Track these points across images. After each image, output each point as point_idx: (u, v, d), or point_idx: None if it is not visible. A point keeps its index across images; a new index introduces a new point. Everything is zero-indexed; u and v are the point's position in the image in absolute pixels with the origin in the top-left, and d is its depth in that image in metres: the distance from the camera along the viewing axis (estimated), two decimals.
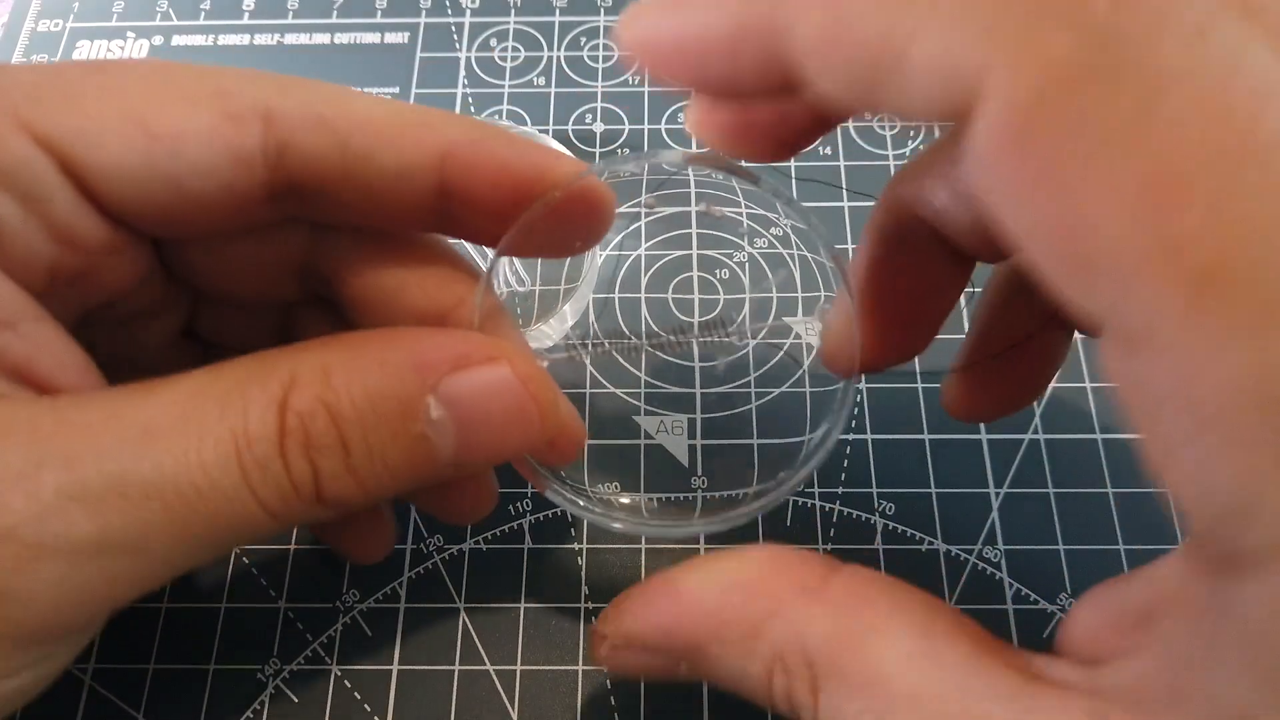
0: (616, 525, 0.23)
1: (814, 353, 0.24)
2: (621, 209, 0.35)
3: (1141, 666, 0.15)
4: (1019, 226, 0.13)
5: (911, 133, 0.36)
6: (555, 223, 0.21)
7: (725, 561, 0.19)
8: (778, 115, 0.19)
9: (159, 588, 0.18)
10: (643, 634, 0.19)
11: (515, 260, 0.32)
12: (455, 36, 0.39)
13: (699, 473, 0.29)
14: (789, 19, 0.15)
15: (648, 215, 0.32)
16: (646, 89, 0.38)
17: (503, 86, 0.38)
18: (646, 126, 0.37)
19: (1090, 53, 0.12)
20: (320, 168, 0.19)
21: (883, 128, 0.36)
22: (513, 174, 0.20)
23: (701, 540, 0.29)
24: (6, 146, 0.17)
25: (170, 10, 0.40)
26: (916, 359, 0.24)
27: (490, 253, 0.22)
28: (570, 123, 0.37)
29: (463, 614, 0.28)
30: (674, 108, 0.37)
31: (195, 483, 0.16)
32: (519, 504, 0.29)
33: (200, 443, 0.16)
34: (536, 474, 0.22)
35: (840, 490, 0.29)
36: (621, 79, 0.38)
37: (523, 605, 0.28)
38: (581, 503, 0.23)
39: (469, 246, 0.34)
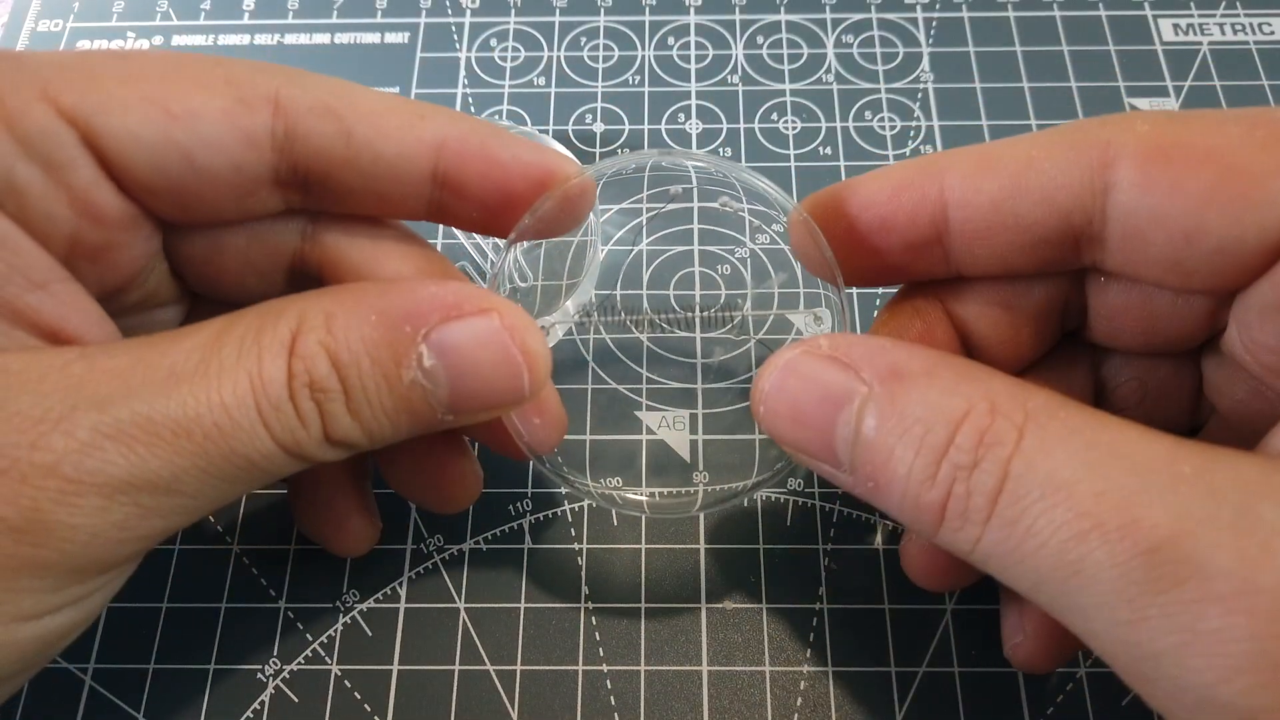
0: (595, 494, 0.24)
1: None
2: (623, 205, 0.35)
3: None
4: (1179, 208, 0.18)
5: (911, 133, 0.36)
6: (558, 211, 0.23)
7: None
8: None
9: (189, 525, 0.19)
10: (854, 348, 0.19)
11: (519, 256, 0.32)
12: (455, 36, 0.39)
13: (700, 468, 0.29)
14: (946, 164, 0.21)
15: (671, 203, 0.33)
16: (646, 89, 0.38)
17: (503, 86, 0.38)
18: (646, 126, 0.37)
19: (1170, 115, 0.19)
20: (325, 153, 0.21)
21: (882, 127, 0.36)
22: (501, 166, 0.22)
23: (701, 507, 0.29)
24: (31, 116, 0.19)
25: (170, 10, 0.40)
26: None
27: (479, 239, 0.23)
28: (570, 123, 0.37)
29: (463, 614, 0.28)
30: (673, 108, 0.37)
31: (218, 422, 0.17)
32: (519, 504, 0.29)
33: (220, 384, 0.18)
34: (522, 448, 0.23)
35: (840, 490, 0.29)
36: (621, 79, 0.38)
37: (523, 605, 0.28)
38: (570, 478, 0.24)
39: (459, 234, 0.34)
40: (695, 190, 0.35)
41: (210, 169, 0.20)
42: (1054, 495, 0.15)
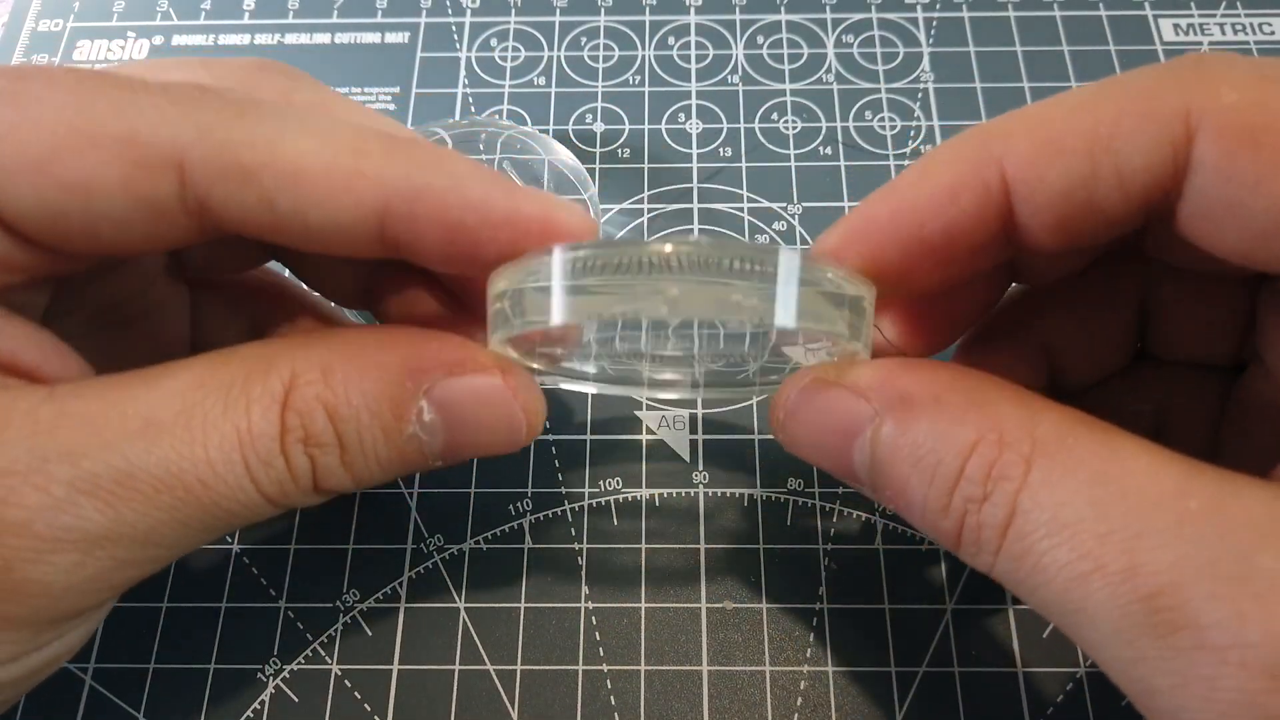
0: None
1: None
2: (624, 205, 0.35)
3: None
4: (1268, 200, 0.16)
5: (911, 133, 0.36)
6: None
7: (941, 362, 0.19)
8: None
9: (166, 567, 0.18)
10: (864, 375, 0.18)
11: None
12: (455, 36, 0.39)
13: (700, 468, 0.29)
14: (1001, 149, 0.18)
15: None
16: (647, 89, 0.38)
17: (503, 86, 0.38)
18: (646, 126, 0.37)
19: (1261, 74, 0.16)
20: (247, 220, 0.18)
21: (882, 127, 0.36)
22: (465, 230, 0.18)
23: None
24: None
25: (170, 10, 0.40)
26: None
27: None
28: (570, 123, 0.37)
29: (463, 614, 0.28)
30: (673, 107, 0.37)
31: (202, 477, 0.17)
32: (519, 504, 0.29)
33: (206, 438, 0.17)
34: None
35: (840, 490, 0.29)
36: (621, 79, 0.38)
37: (523, 605, 0.28)
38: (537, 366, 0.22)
39: None
40: (695, 190, 0.35)
41: (118, 237, 0.18)
42: (1059, 534, 0.15)
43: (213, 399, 0.17)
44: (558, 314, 0.17)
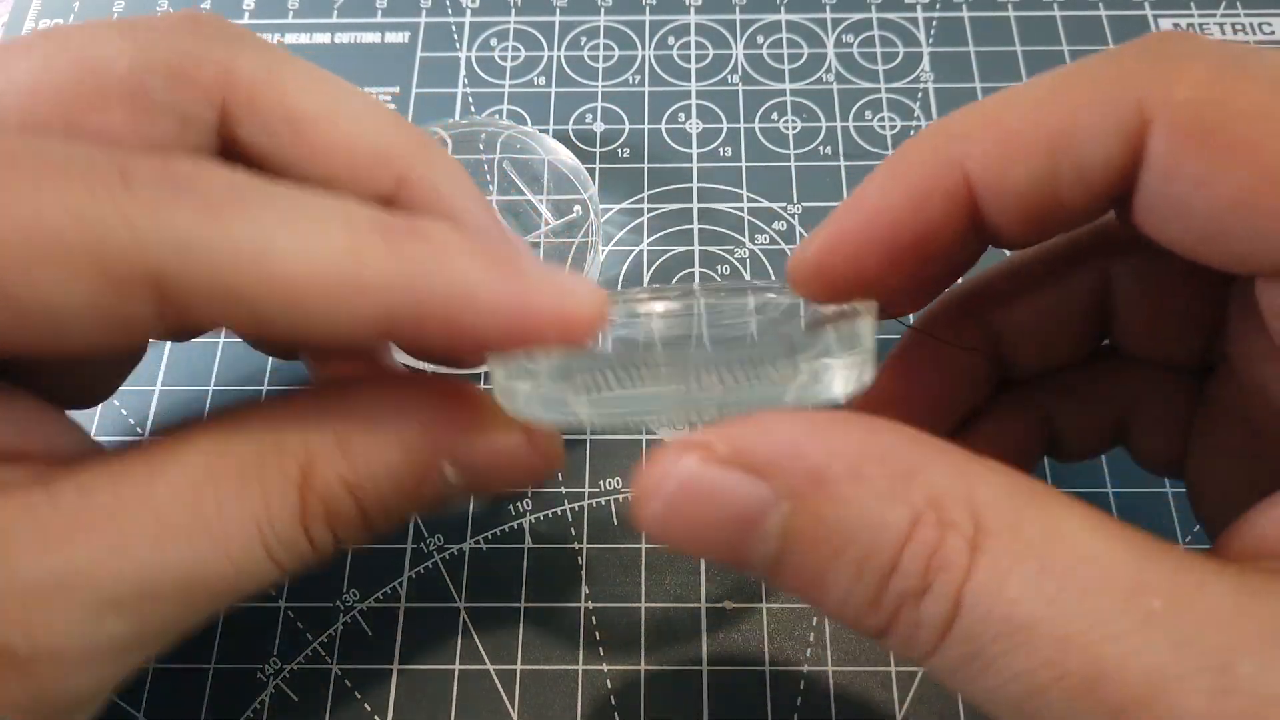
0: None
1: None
2: (624, 204, 0.35)
3: None
4: (1209, 202, 0.15)
5: (911, 133, 0.36)
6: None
7: (865, 416, 0.16)
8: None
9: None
10: (758, 446, 0.15)
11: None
12: (455, 36, 0.39)
13: None
14: (962, 151, 0.17)
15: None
16: (646, 89, 0.38)
17: (503, 86, 0.38)
18: (646, 126, 0.37)
19: (1221, 66, 0.15)
20: (231, 327, 0.17)
21: (882, 127, 0.36)
22: (466, 332, 0.17)
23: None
24: None
25: (170, 10, 0.40)
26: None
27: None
28: (570, 123, 0.37)
29: (463, 614, 0.28)
30: (673, 107, 0.37)
31: (223, 573, 0.16)
32: (519, 504, 0.29)
33: (225, 535, 0.16)
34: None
35: None
36: (621, 79, 0.38)
37: (523, 605, 0.28)
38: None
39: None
40: (694, 189, 0.35)
41: (90, 352, 0.16)
42: (1013, 637, 0.14)
43: (226, 488, 0.16)
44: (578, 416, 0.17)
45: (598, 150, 0.36)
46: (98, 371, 0.22)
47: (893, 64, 0.38)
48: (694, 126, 0.37)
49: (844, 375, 0.17)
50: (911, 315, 0.23)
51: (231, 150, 0.20)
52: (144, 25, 0.19)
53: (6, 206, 0.14)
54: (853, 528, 0.14)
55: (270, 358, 0.32)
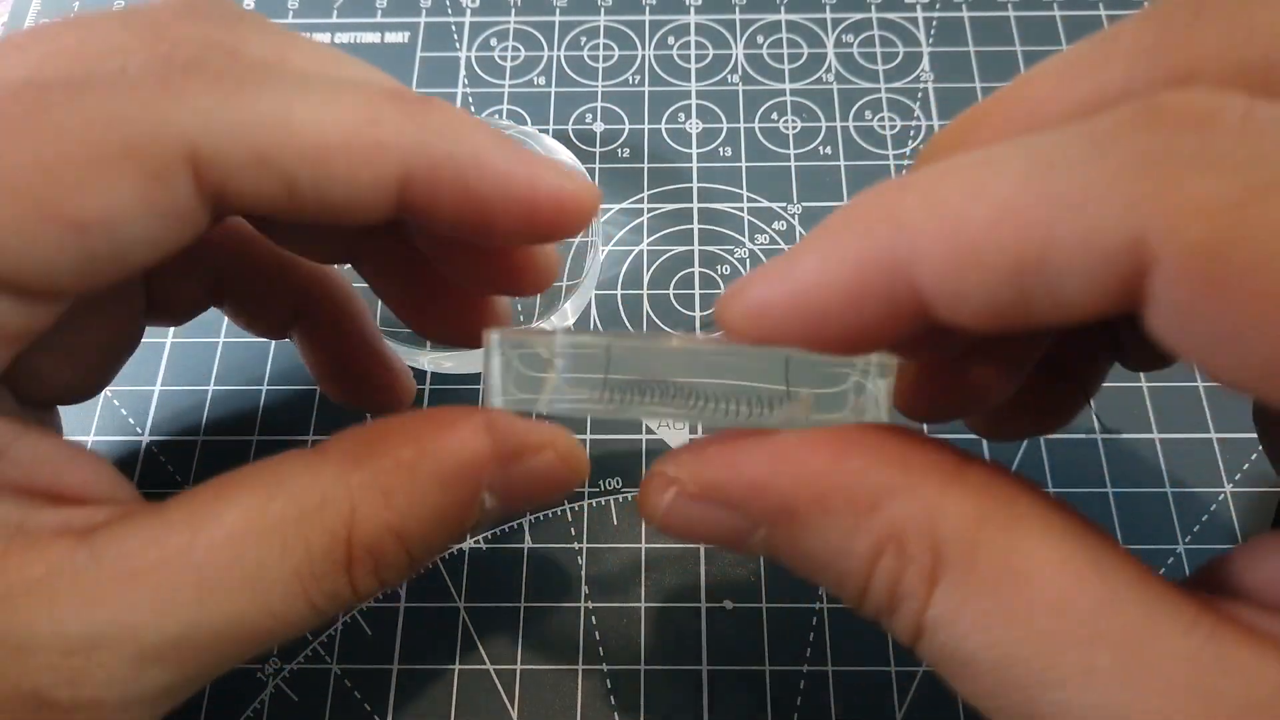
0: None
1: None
2: (624, 204, 0.35)
3: None
4: (1230, 359, 0.12)
5: (911, 133, 0.36)
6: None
7: (841, 428, 0.16)
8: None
9: None
10: (727, 484, 0.16)
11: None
12: (455, 36, 0.39)
13: None
14: (909, 254, 0.14)
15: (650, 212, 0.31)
16: (646, 89, 0.38)
17: (503, 86, 0.38)
18: (646, 126, 0.37)
19: (1242, 184, 0.12)
20: (265, 205, 0.17)
21: (882, 127, 0.36)
22: (476, 199, 0.17)
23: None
24: None
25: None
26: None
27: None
28: (570, 123, 0.37)
29: (463, 614, 0.28)
30: (673, 107, 0.37)
31: (264, 626, 0.17)
32: None
33: (268, 590, 0.16)
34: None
35: None
36: (621, 79, 0.38)
37: (523, 605, 0.28)
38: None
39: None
40: (694, 189, 0.35)
41: (144, 260, 0.17)
42: (963, 667, 0.15)
43: (268, 545, 0.16)
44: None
45: (598, 150, 0.36)
46: (93, 362, 0.22)
47: (893, 64, 0.38)
48: (694, 126, 0.37)
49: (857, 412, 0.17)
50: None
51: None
52: (139, 15, 0.18)
53: (47, 132, 0.15)
54: (824, 556, 0.15)
55: (271, 357, 0.32)
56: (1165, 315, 0.13)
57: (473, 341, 0.24)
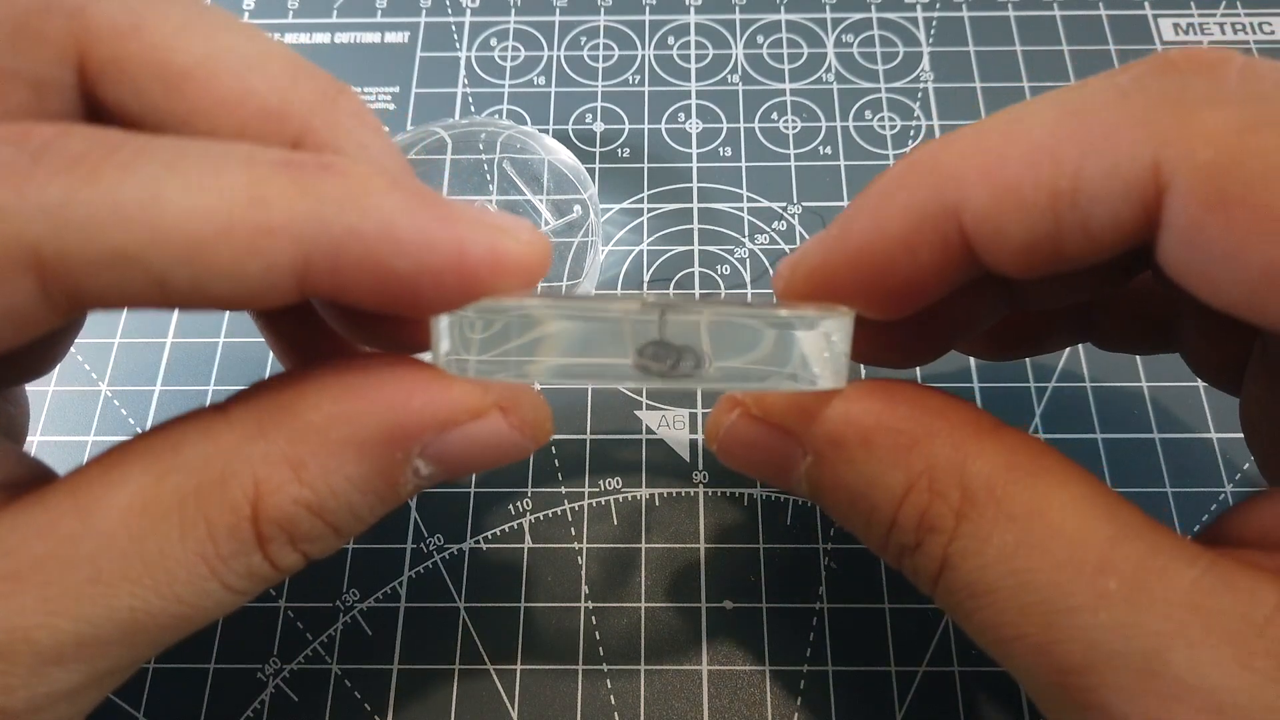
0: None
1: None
2: (624, 204, 0.35)
3: None
4: (1237, 274, 0.14)
5: (912, 133, 0.36)
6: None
7: (893, 382, 0.18)
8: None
9: None
10: (785, 410, 0.18)
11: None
12: (455, 36, 0.39)
13: (700, 468, 0.29)
14: (956, 197, 0.16)
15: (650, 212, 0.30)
16: (646, 89, 0.38)
17: (503, 86, 0.38)
18: (646, 126, 0.37)
19: (1245, 116, 0.13)
20: (134, 301, 0.14)
21: (882, 127, 0.36)
22: (391, 276, 0.15)
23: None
24: None
25: None
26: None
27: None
28: (570, 122, 0.37)
29: (463, 614, 0.28)
30: (673, 107, 0.37)
31: (174, 612, 0.15)
32: (519, 504, 0.29)
33: (170, 577, 0.15)
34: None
35: None
36: (621, 79, 0.38)
37: (523, 605, 0.28)
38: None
39: None
40: (694, 189, 0.35)
41: None
42: (982, 599, 0.16)
43: (165, 526, 0.15)
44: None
45: (598, 150, 0.36)
46: (33, 348, 0.21)
47: (893, 64, 0.38)
48: (694, 126, 0.37)
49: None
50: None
51: (99, 115, 0.17)
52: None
53: None
54: (860, 486, 0.17)
55: (270, 357, 0.32)
56: (1175, 237, 0.14)
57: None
